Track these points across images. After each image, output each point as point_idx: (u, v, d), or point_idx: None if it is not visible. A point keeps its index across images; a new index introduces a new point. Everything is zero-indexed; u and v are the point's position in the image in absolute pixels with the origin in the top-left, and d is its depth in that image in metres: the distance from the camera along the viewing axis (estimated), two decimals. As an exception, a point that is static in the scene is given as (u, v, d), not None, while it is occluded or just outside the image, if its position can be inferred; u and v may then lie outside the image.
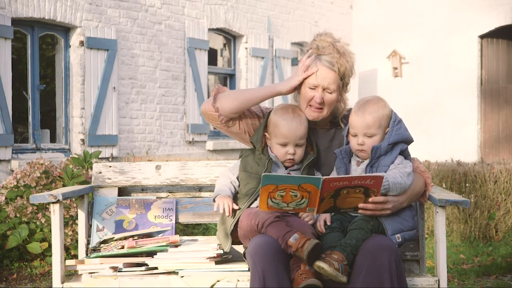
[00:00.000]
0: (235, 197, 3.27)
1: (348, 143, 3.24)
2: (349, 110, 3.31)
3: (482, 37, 12.63)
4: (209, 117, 3.32)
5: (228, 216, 3.17)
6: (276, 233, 2.96)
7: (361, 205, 3.00)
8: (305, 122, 3.23)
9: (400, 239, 3.06)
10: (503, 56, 12.72)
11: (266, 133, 3.27)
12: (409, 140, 3.21)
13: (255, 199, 3.17)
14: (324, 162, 3.30)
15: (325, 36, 3.29)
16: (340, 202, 2.98)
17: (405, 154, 3.19)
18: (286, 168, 3.23)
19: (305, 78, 3.22)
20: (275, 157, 3.22)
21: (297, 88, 3.31)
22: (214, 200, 3.25)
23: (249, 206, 3.17)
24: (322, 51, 3.23)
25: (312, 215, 3.12)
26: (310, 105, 3.25)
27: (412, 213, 3.19)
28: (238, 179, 3.29)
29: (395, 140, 3.15)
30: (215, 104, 3.27)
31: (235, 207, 3.19)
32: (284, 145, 3.20)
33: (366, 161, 3.17)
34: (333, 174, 3.24)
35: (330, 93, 3.23)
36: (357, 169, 3.18)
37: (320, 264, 2.84)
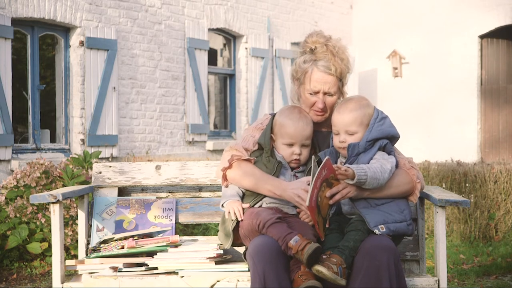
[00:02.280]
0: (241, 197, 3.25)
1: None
2: None
3: (482, 37, 12.62)
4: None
5: (240, 220, 3.13)
6: (276, 234, 2.96)
7: (328, 194, 2.95)
8: (311, 123, 3.23)
9: (384, 229, 2.98)
10: (503, 56, 12.71)
11: (272, 134, 3.25)
12: (392, 136, 3.15)
13: (260, 199, 3.17)
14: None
15: (317, 37, 3.29)
16: (322, 211, 2.97)
17: (387, 150, 3.13)
18: (292, 169, 3.22)
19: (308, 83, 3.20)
20: (282, 158, 3.20)
21: (298, 93, 3.33)
22: (222, 206, 3.22)
23: (253, 206, 3.17)
24: (317, 56, 3.24)
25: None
26: (313, 110, 3.26)
27: (399, 207, 3.09)
28: None
29: (375, 137, 3.10)
30: (226, 181, 3.25)
31: (245, 205, 3.16)
32: (291, 145, 3.19)
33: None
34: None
35: (331, 95, 3.26)
36: None
37: (319, 268, 2.84)
